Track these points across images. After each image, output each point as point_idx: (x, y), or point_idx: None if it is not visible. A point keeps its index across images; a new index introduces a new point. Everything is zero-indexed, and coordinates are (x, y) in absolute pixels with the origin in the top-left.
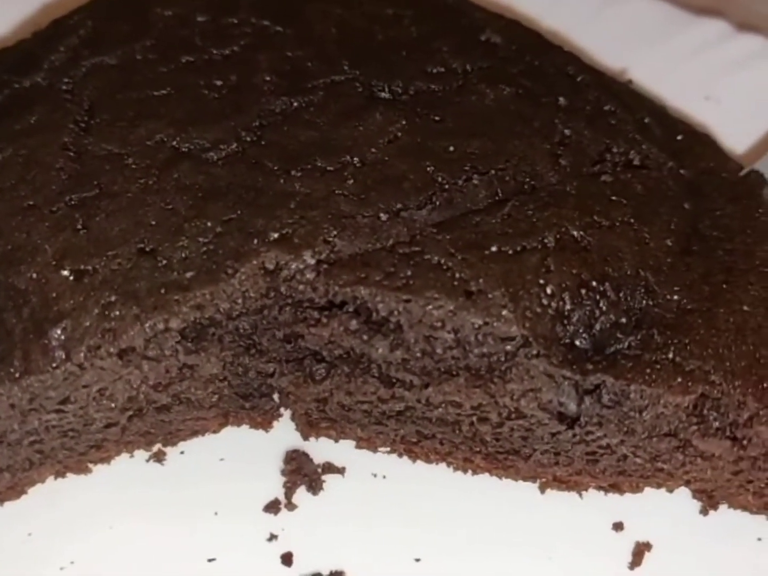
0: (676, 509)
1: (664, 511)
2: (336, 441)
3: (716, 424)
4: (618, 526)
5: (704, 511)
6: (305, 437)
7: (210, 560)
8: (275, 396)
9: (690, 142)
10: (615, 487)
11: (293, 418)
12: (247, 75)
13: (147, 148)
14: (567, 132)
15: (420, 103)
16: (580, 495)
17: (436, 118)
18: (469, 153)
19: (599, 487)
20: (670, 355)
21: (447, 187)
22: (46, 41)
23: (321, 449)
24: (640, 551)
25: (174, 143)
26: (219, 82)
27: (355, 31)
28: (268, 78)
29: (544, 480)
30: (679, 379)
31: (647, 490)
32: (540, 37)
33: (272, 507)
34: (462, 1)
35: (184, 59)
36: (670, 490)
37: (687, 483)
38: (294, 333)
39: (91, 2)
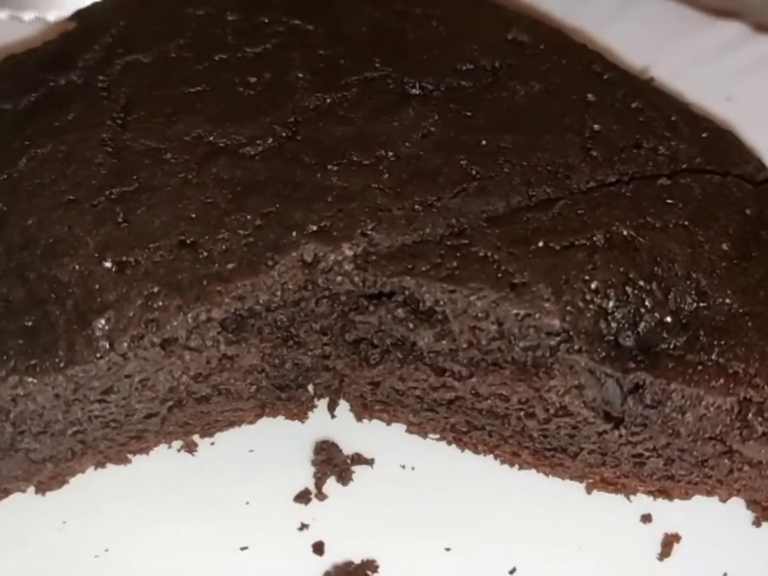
0: (703, 501)
1: (691, 504)
2: (388, 424)
3: (761, 429)
4: (646, 518)
5: (757, 523)
6: (359, 419)
7: (242, 549)
8: (310, 387)
9: (715, 139)
10: (663, 493)
11: (350, 403)
12: (281, 72)
13: (185, 144)
14: (597, 127)
15: (452, 99)
16: (629, 498)
17: (468, 114)
18: (502, 147)
19: (648, 492)
20: (714, 357)
21: (479, 177)
22: (79, 40)
23: (349, 442)
24: (669, 542)
25: (211, 138)
26: (253, 80)
27: (386, 29)
28: (301, 75)
29: (591, 481)
30: (722, 381)
31: None
32: (564, 35)
33: (303, 497)
34: (487, 1)
35: (218, 57)
36: (723, 500)
37: (737, 492)
38: (346, 321)
39: (121, 2)
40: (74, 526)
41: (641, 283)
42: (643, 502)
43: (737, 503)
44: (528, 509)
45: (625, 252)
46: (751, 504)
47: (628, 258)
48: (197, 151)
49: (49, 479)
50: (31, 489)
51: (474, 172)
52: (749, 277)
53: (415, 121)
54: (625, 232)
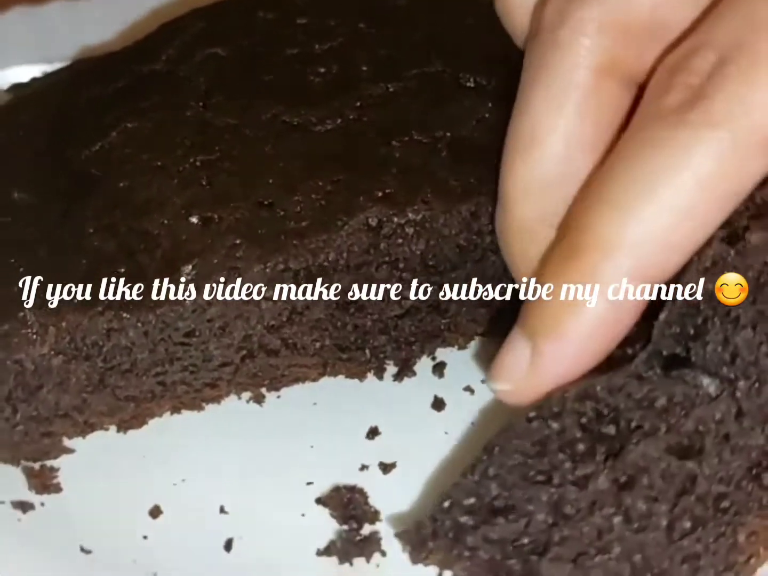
0: None
1: None
2: None
3: None
4: None
5: None
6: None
7: (308, 483)
8: (367, 350)
9: None
10: None
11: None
12: (347, 65)
13: (262, 122)
14: None
15: (503, 91)
16: None
17: None
18: None
19: None
20: None
21: None
22: (160, 40)
23: None
24: None
25: (285, 118)
26: (322, 70)
27: (441, 35)
28: (365, 68)
29: None
30: None
31: None
32: None
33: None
34: None
35: (289, 52)
36: None
37: None
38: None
39: (196, 9)
40: (153, 459)
41: None
42: None
43: None
44: None
45: None
46: None
47: None
48: (273, 128)
49: (131, 418)
50: (113, 428)
51: None
52: None
53: (470, 108)
54: None
